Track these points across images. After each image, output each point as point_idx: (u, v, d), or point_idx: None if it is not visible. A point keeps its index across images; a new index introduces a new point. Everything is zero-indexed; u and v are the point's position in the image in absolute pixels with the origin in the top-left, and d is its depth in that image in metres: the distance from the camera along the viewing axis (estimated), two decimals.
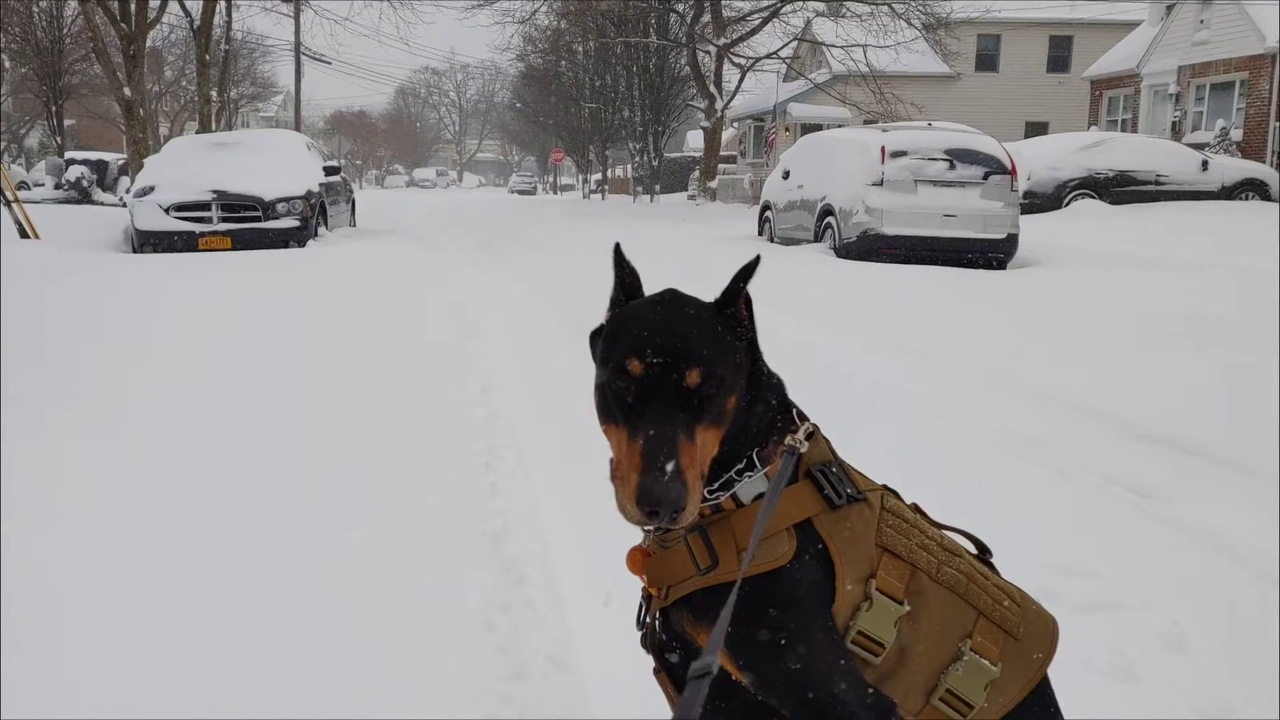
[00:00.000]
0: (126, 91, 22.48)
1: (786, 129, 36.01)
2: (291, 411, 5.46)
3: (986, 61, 39.08)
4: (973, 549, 1.74)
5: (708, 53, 35.57)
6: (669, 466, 1.36)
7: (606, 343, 1.51)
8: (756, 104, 41.58)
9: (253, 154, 16.17)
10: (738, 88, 37.83)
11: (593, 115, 53.47)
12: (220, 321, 8.30)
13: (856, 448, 2.07)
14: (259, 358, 6.84)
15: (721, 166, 40.05)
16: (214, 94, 27.45)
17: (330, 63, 46.68)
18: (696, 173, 43.85)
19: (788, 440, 1.56)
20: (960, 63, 35.13)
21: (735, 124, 46.36)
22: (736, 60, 35.75)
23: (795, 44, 36.82)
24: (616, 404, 1.45)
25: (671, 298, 1.54)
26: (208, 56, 26.57)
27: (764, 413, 1.58)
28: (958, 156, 13.98)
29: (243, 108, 59.56)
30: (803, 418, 1.62)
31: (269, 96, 72.04)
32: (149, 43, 27.02)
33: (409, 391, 6.01)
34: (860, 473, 1.66)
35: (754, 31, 35.74)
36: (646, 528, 1.53)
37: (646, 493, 1.35)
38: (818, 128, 28.91)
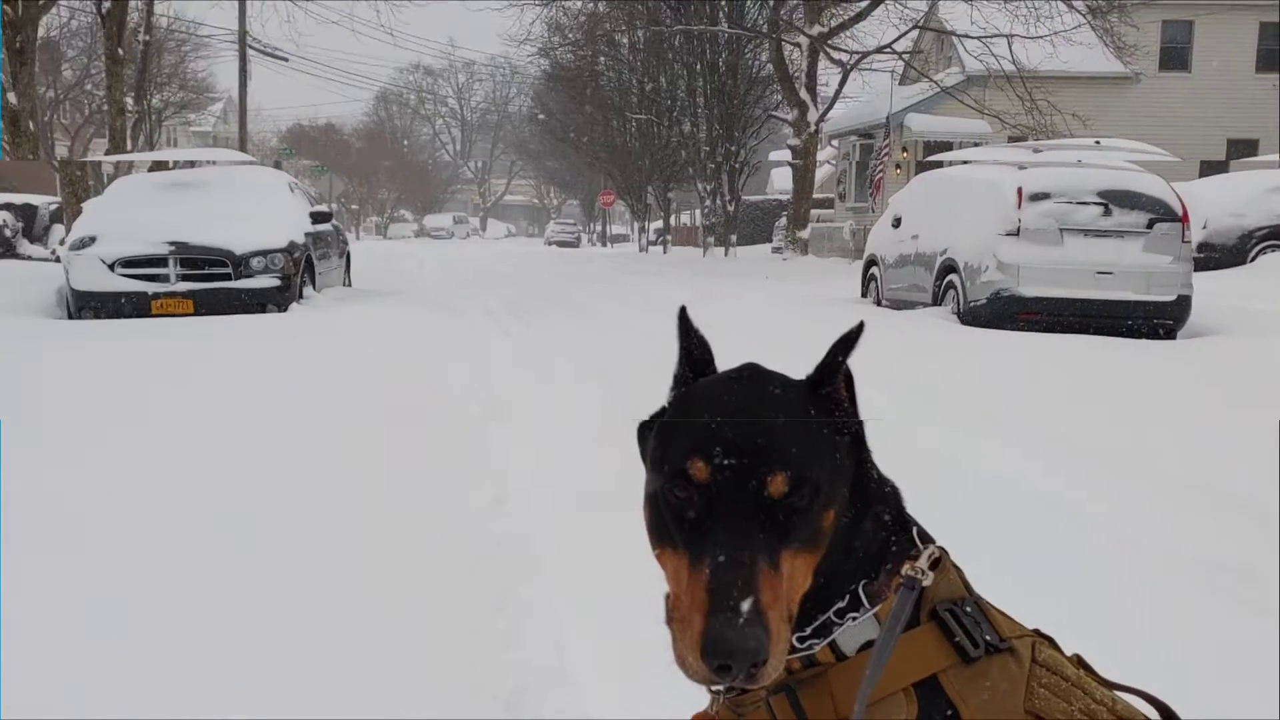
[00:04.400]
0: (11, 98, 22.35)
1: (904, 149, 35.14)
2: (252, 511, 5.53)
3: (1175, 57, 37.85)
4: (1156, 717, 1.69)
5: (797, 45, 34.63)
6: (745, 605, 1.32)
7: (661, 437, 1.49)
8: (863, 115, 40.25)
9: (221, 196, 16.49)
10: (838, 93, 36.69)
11: (641, 130, 51.71)
12: (179, 404, 8.39)
13: (996, 580, 2.03)
14: (223, 448, 6.92)
15: (815, 212, 39.56)
16: (130, 101, 27.19)
17: (287, 59, 46.19)
18: (783, 219, 43.48)
19: (905, 569, 1.54)
20: (1140, 59, 34.42)
21: (834, 142, 44.84)
22: (836, 56, 34.83)
23: (916, 34, 35.41)
24: (675, 521, 1.42)
25: (751, 374, 1.52)
26: (121, 51, 25.75)
27: (873, 532, 1.56)
28: (1115, 200, 13.99)
29: (168, 119, 58.49)
30: (925, 539, 1.60)
31: (204, 105, 70.42)
32: (42, 31, 26.77)
33: (405, 496, 6.02)
34: (1003, 613, 1.63)
35: (860, 17, 34.18)
36: (715, 687, 1.50)
37: (715, 640, 1.32)
38: (947, 147, 28.47)
